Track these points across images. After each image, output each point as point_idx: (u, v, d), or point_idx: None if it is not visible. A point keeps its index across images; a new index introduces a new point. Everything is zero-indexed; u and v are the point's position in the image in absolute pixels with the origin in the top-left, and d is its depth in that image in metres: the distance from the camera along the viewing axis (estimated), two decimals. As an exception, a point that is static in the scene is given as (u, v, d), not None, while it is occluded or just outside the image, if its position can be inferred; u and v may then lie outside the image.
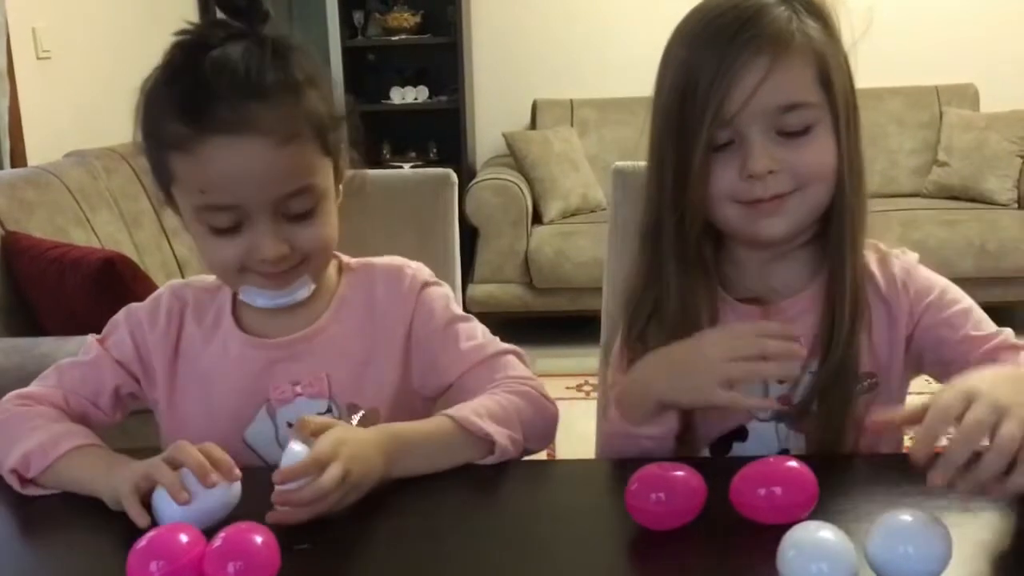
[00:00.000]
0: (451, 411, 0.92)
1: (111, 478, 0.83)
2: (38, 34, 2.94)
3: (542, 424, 0.98)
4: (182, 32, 0.92)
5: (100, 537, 0.81)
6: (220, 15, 0.92)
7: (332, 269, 1.05)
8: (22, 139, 2.80)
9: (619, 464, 0.91)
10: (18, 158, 2.76)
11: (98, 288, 2.10)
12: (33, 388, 0.99)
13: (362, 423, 1.00)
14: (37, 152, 2.84)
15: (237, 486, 0.81)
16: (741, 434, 0.97)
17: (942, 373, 0.94)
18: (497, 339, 1.05)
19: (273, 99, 0.87)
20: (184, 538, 0.69)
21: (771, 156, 0.89)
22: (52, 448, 0.89)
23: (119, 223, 2.77)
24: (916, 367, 0.99)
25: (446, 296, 1.06)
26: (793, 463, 0.76)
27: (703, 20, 0.92)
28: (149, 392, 1.03)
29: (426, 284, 1.05)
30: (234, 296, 1.02)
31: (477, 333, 1.04)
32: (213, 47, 0.88)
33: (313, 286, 0.97)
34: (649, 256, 0.99)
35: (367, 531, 0.78)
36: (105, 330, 1.04)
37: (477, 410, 0.91)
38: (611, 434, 0.96)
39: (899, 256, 1.00)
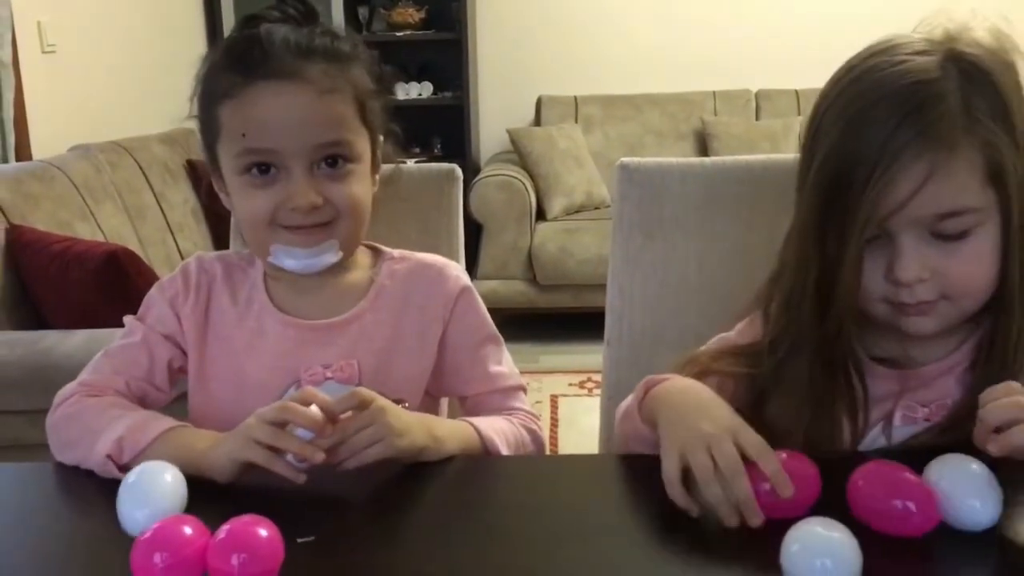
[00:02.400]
0: (475, 421, 0.96)
1: (222, 445, 0.85)
2: (43, 27, 2.94)
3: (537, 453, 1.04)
4: (246, 15, 0.99)
5: (103, 529, 0.81)
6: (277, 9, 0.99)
7: (369, 256, 1.07)
8: (27, 133, 2.80)
9: (623, 459, 0.91)
10: (23, 151, 2.76)
11: (102, 282, 2.10)
12: (89, 376, 1.00)
13: None
14: (42, 146, 2.85)
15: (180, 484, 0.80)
16: None
17: None
18: (516, 371, 1.08)
19: (319, 58, 0.95)
20: (188, 530, 0.69)
21: (922, 263, 0.81)
22: (142, 433, 0.89)
23: (123, 217, 2.77)
24: None
25: (483, 308, 1.09)
26: (798, 459, 0.76)
27: (862, 97, 0.82)
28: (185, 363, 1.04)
29: (466, 291, 1.07)
30: (265, 275, 1.03)
31: (504, 359, 1.08)
32: (270, 22, 0.97)
33: (341, 254, 0.98)
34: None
35: (370, 524, 0.78)
36: (142, 308, 1.04)
37: (497, 429, 0.97)
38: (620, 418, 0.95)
39: None
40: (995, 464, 0.73)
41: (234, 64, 0.94)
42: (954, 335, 0.90)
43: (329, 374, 1.00)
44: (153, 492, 0.77)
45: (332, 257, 0.98)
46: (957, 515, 0.72)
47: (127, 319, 1.04)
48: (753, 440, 0.76)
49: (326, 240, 0.96)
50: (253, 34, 0.95)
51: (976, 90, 0.81)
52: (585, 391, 3.14)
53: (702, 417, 0.79)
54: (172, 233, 2.98)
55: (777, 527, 0.68)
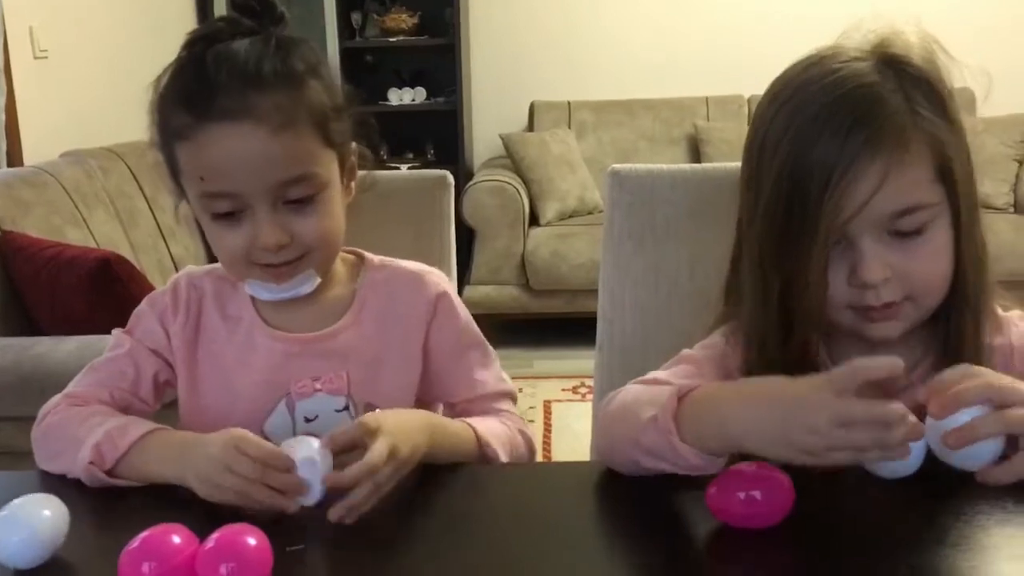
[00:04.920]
0: (471, 421, 0.97)
1: (187, 459, 0.84)
2: (35, 33, 2.94)
3: (529, 458, 1.04)
4: (194, 31, 0.93)
5: (92, 538, 0.81)
6: (233, 13, 0.94)
7: (351, 265, 1.06)
8: (19, 138, 2.80)
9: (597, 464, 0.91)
10: (15, 157, 2.76)
11: (94, 288, 2.10)
12: (74, 388, 1.00)
13: None
14: (34, 151, 2.84)
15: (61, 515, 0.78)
16: None
17: None
18: (504, 375, 1.08)
19: (271, 88, 0.89)
20: (176, 539, 0.69)
21: (883, 264, 0.82)
22: (121, 438, 0.89)
23: (115, 223, 2.77)
24: None
25: (465, 313, 1.07)
26: (769, 469, 0.75)
27: (808, 102, 0.82)
28: (174, 378, 1.03)
29: (445, 295, 1.06)
30: None
31: (490, 365, 1.07)
32: (220, 42, 0.90)
33: (318, 280, 0.97)
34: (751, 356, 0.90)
35: (359, 533, 0.78)
36: (131, 322, 1.04)
37: (493, 431, 0.97)
38: (635, 428, 0.82)
39: (1017, 323, 0.93)
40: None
41: (183, 102, 0.89)
42: (916, 343, 0.90)
43: (319, 386, 1.00)
44: (30, 522, 0.74)
45: (308, 287, 0.97)
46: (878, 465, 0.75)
47: (115, 332, 1.04)
48: (843, 374, 0.71)
49: (299, 273, 0.95)
50: (200, 63, 0.89)
51: (914, 88, 0.82)
52: (578, 396, 3.14)
53: (792, 408, 0.72)
54: (164, 239, 2.98)
55: (759, 536, 0.68)
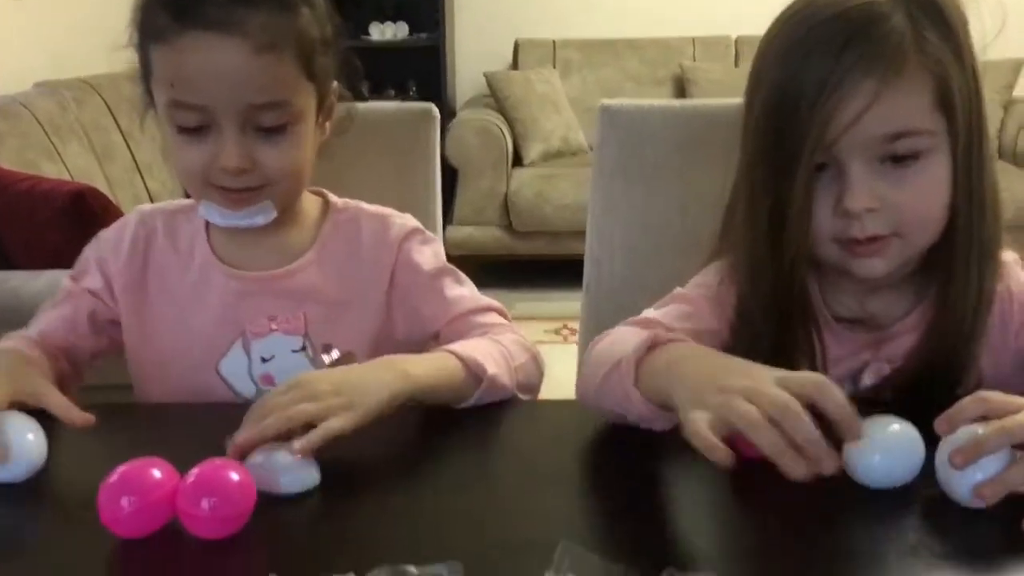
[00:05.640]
0: (451, 347, 0.91)
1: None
2: (5, -41, 2.84)
3: (537, 373, 0.97)
4: None
5: (69, 472, 0.79)
6: None
7: (316, 206, 1.03)
8: (-10, 68, 2.72)
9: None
10: (-14, 87, 2.68)
11: (69, 221, 2.05)
12: (25, 331, 0.98)
13: (337, 364, 0.99)
14: (5, 82, 2.76)
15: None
16: None
17: None
18: (481, 295, 1.03)
19: (262, 6, 0.86)
20: (157, 473, 0.67)
21: (871, 192, 0.79)
22: None
23: (90, 156, 2.71)
24: None
25: (434, 248, 1.04)
26: None
27: (802, 25, 0.79)
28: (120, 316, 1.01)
29: (412, 234, 1.03)
30: (207, 223, 1.00)
31: (464, 285, 1.03)
32: None
33: (275, 213, 0.94)
34: (747, 294, 0.87)
35: (343, 475, 0.76)
36: (76, 267, 1.03)
37: (477, 348, 0.90)
38: (601, 369, 0.81)
39: (1015, 269, 0.90)
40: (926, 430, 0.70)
41: (168, 3, 0.86)
42: (909, 288, 0.89)
43: (274, 326, 0.98)
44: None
45: (263, 219, 0.93)
46: (859, 472, 0.69)
47: (64, 280, 1.02)
48: (802, 377, 0.64)
49: (256, 203, 0.92)
50: None
51: (922, 13, 0.79)
52: (560, 338, 3.14)
53: (731, 374, 0.67)
54: (140, 173, 2.92)
55: (754, 467, 0.67)
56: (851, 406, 0.62)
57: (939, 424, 0.68)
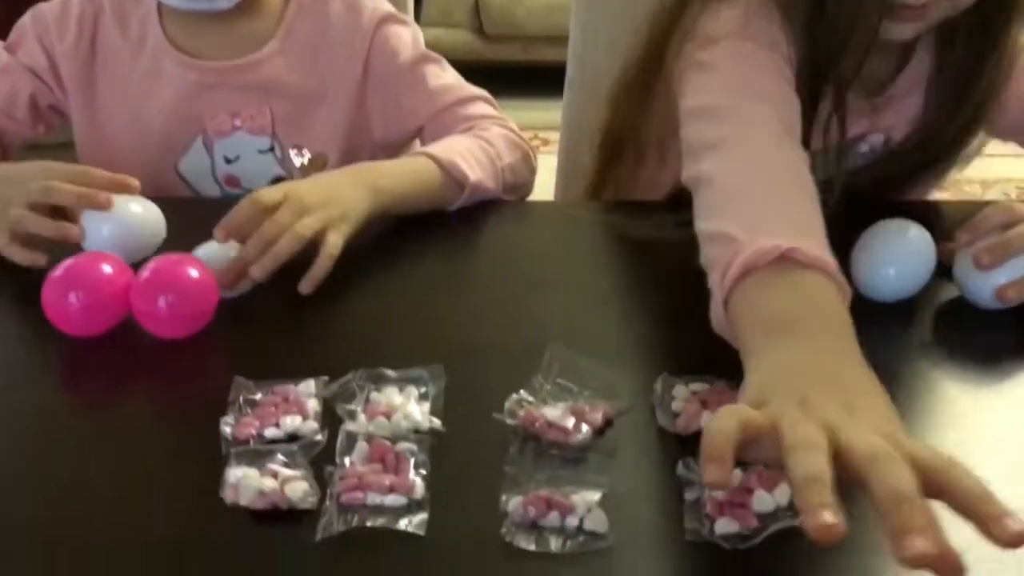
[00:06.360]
0: (428, 149, 0.83)
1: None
2: None
3: (527, 172, 0.92)
4: None
5: (15, 268, 0.73)
6: None
7: None
8: None
9: (580, 206, 0.86)
10: None
11: None
12: None
13: (309, 168, 0.92)
14: None
15: (156, 212, 0.72)
16: None
17: None
18: (467, 83, 0.95)
19: None
20: (107, 268, 0.62)
21: None
22: None
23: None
24: None
25: (412, 33, 0.95)
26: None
27: None
28: (67, 105, 0.93)
29: (387, 18, 0.94)
30: (159, 5, 0.91)
31: (447, 73, 0.95)
32: None
33: None
34: None
35: (340, 279, 0.70)
36: (11, 36, 0.93)
37: (455, 148, 0.83)
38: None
39: None
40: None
41: None
42: (919, 46, 0.84)
43: (238, 123, 0.91)
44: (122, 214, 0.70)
45: (226, 2, 0.85)
46: (869, 283, 0.68)
47: None
48: (930, 453, 0.40)
49: None
50: None
51: None
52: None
53: (855, 394, 0.45)
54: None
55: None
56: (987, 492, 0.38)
57: (961, 234, 0.68)
